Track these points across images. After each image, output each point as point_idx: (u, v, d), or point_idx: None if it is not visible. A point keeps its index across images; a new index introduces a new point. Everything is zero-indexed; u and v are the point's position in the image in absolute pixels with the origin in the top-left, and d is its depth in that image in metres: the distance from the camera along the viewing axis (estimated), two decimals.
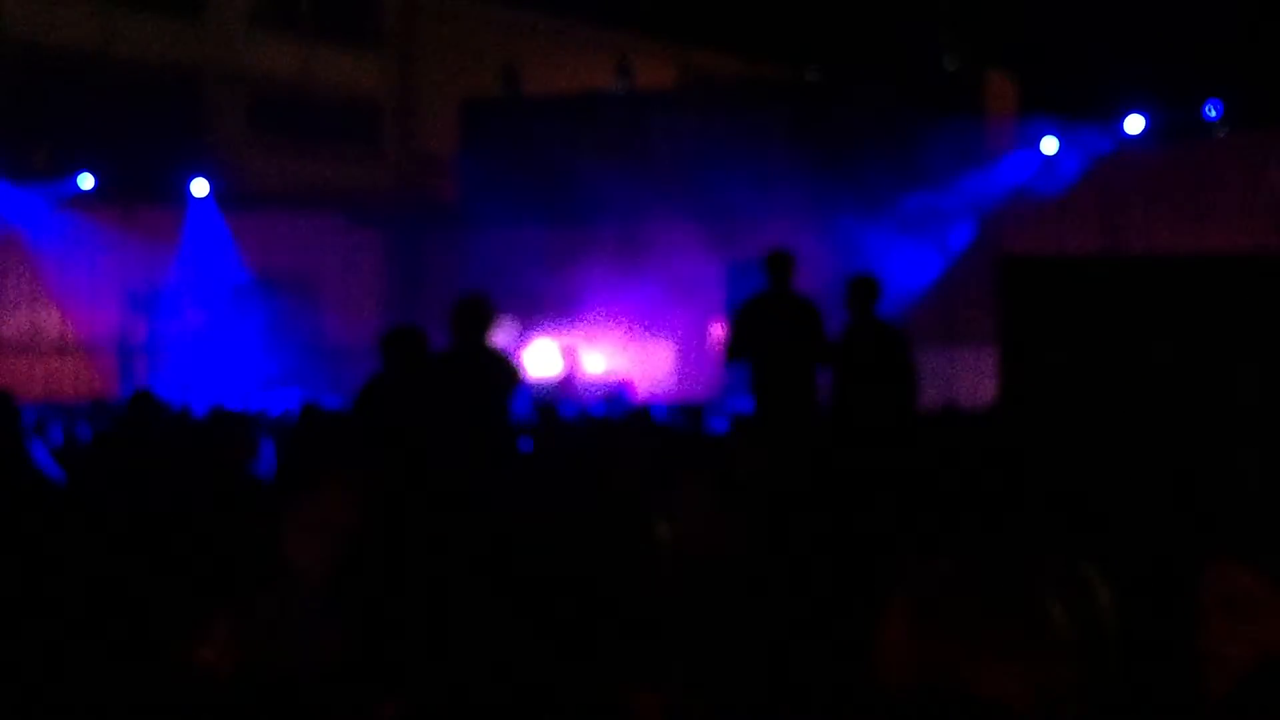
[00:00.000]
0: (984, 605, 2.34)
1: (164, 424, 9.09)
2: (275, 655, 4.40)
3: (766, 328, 11.31)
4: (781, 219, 19.10)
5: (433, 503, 7.36)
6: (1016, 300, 11.27)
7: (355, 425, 9.43)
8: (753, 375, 11.37)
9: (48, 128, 21.70)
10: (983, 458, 8.30)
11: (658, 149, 21.38)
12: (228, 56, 24.63)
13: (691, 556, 6.29)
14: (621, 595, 6.37)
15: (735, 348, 11.50)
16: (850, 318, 11.43)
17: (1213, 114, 19.08)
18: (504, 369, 9.43)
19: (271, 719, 4.39)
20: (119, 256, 21.76)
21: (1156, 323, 10.53)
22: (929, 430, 9.80)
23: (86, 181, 20.93)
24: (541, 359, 20.79)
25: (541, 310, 20.75)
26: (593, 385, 20.46)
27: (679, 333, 21.16)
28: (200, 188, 21.73)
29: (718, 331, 19.67)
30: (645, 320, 21.18)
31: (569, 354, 21.36)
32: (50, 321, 21.81)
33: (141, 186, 21.76)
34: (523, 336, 20.26)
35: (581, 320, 21.26)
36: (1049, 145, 19.82)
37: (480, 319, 9.33)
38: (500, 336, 10.57)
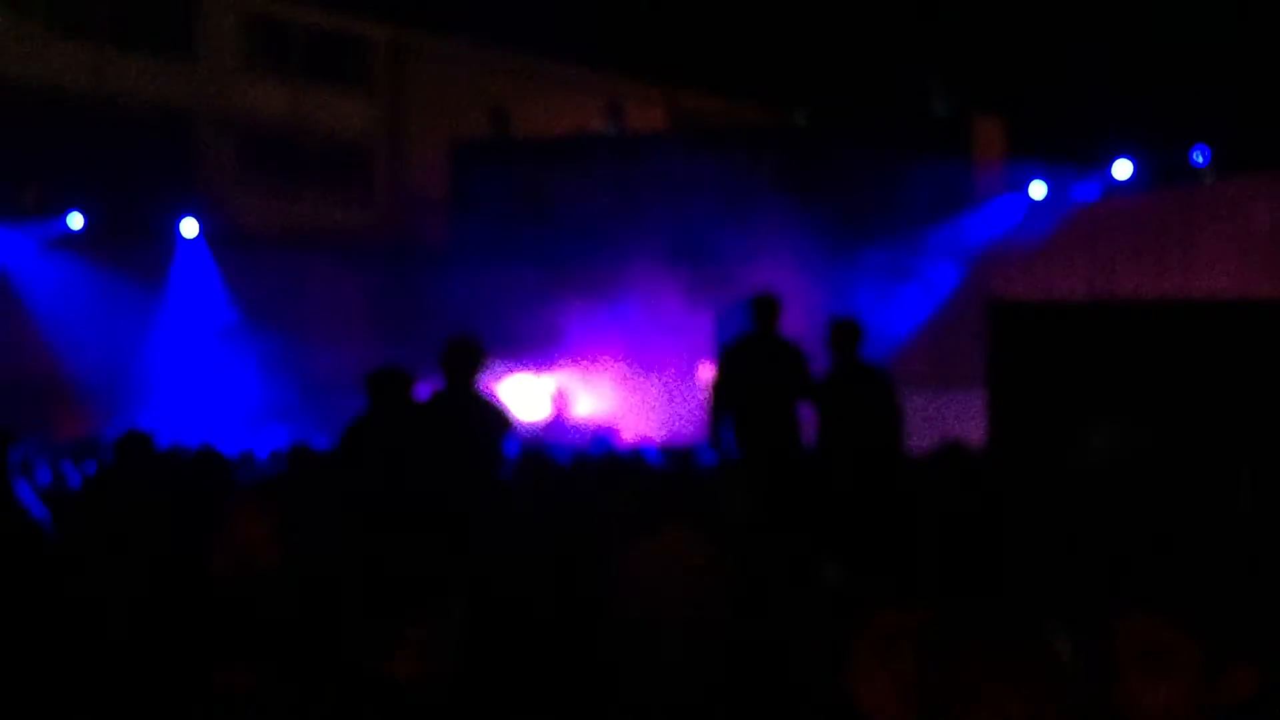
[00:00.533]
0: (985, 647, 2.36)
1: (153, 464, 9.05)
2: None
3: (751, 371, 11.32)
4: (769, 262, 19.11)
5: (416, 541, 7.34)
6: (1005, 344, 11.27)
7: (339, 466, 9.41)
8: (737, 418, 11.36)
9: (37, 167, 21.72)
10: (971, 500, 8.29)
11: (647, 191, 21.42)
12: (219, 98, 24.67)
13: (675, 596, 6.28)
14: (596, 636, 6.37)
15: (721, 393, 11.50)
16: (833, 360, 11.45)
17: (1200, 159, 19.15)
18: (494, 414, 9.42)
19: None
20: (108, 296, 21.73)
21: (1145, 367, 10.54)
22: (928, 469, 9.77)
23: (76, 221, 20.93)
24: (529, 400, 20.77)
25: (529, 351, 20.73)
26: (580, 427, 20.44)
27: (667, 375, 21.15)
28: (190, 228, 21.73)
29: (705, 374, 19.67)
30: (633, 362, 21.17)
31: (557, 396, 21.34)
32: (39, 361, 21.76)
33: (131, 226, 21.74)
34: (510, 378, 20.25)
35: (569, 362, 21.26)
36: (1037, 190, 19.88)
37: (470, 361, 9.32)
38: (488, 378, 10.56)
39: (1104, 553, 6.75)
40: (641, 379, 21.29)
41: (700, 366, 20.31)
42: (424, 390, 9.91)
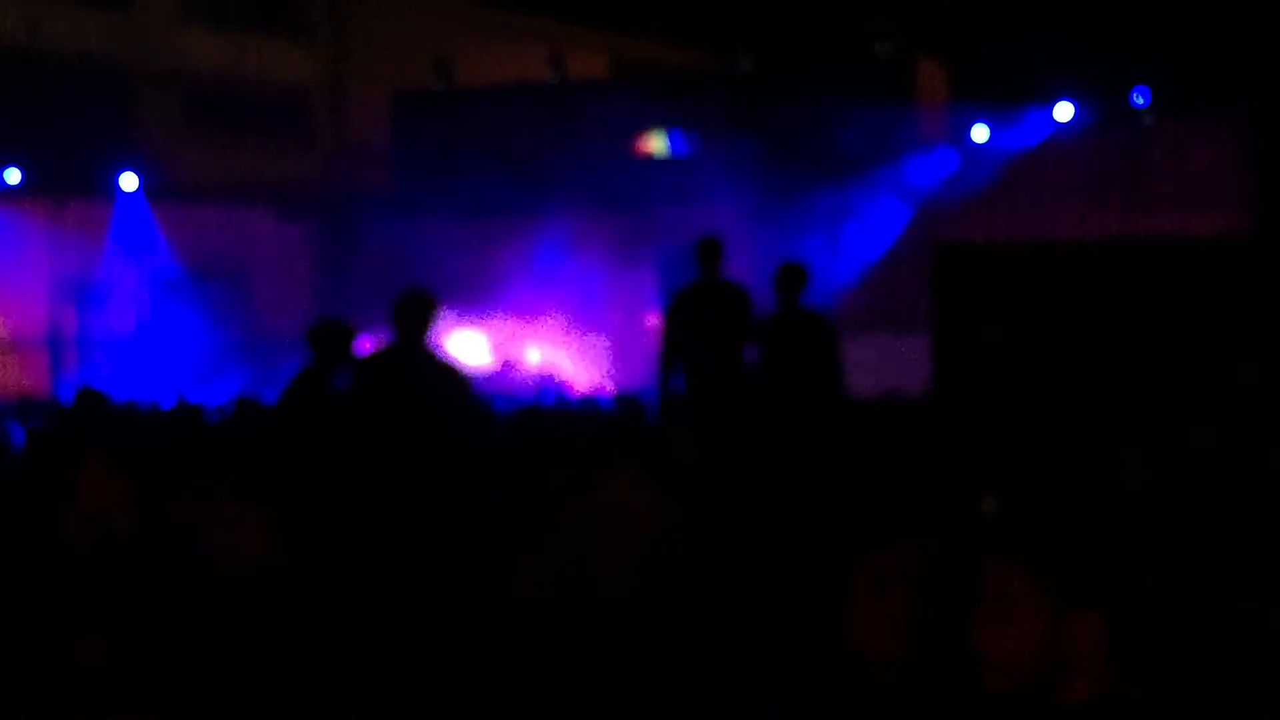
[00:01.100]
0: (976, 582, 2.42)
1: (114, 422, 8.95)
2: None
3: (698, 316, 11.35)
4: (714, 207, 19.12)
5: (377, 497, 7.33)
6: (949, 287, 11.30)
7: (283, 420, 9.37)
8: (686, 364, 11.39)
9: None
10: (916, 443, 8.34)
11: (590, 139, 21.35)
12: (157, 49, 24.43)
13: (624, 542, 6.30)
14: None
15: (669, 340, 11.51)
16: (777, 305, 11.50)
17: (1140, 101, 19.25)
18: (450, 370, 9.32)
19: None
20: (48, 251, 21.55)
21: (1087, 308, 10.59)
22: (867, 416, 9.83)
23: (13, 176, 20.72)
24: (473, 350, 20.73)
25: (473, 301, 20.67)
26: (526, 376, 20.43)
27: (614, 323, 21.15)
28: (129, 182, 21.56)
29: (652, 321, 19.69)
30: (579, 311, 21.16)
31: (502, 345, 21.31)
32: None
33: (70, 181, 21.55)
34: (454, 328, 20.20)
35: (514, 311, 21.22)
36: (979, 133, 19.94)
37: (423, 315, 9.18)
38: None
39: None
40: (587, 327, 21.29)
41: (646, 313, 20.32)
42: (366, 342, 9.87)
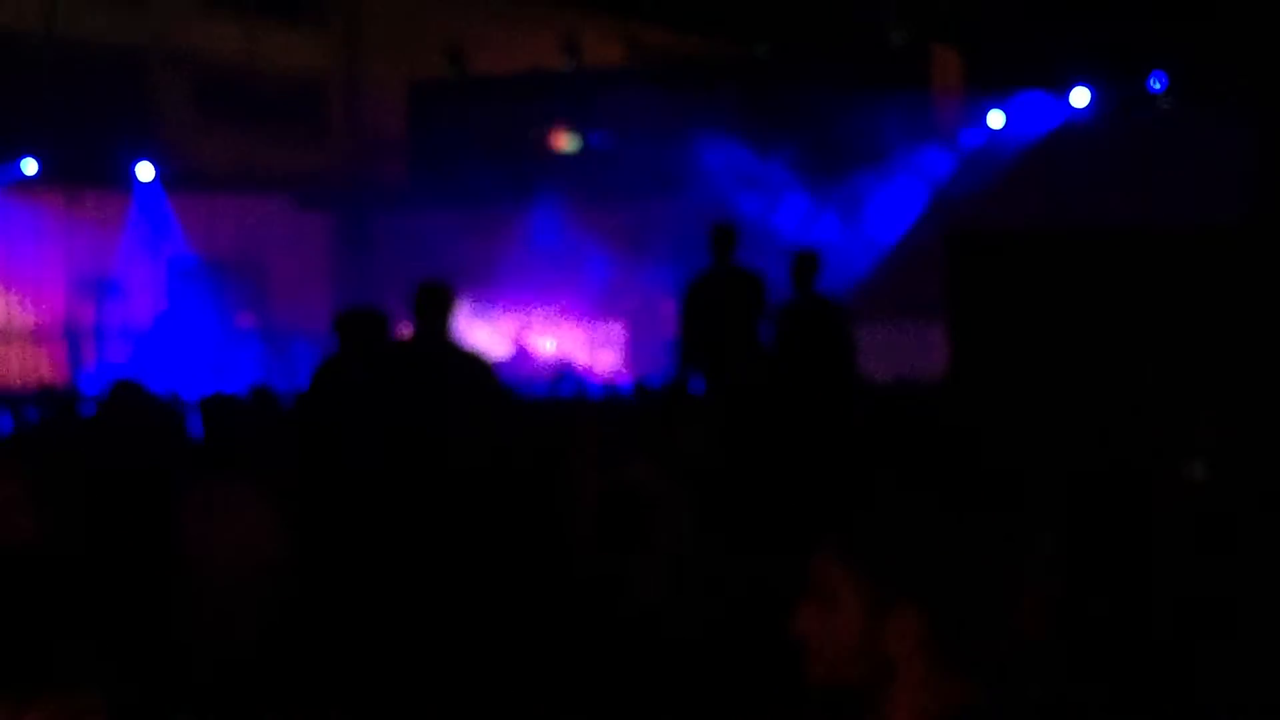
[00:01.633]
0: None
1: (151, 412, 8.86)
2: None
3: (714, 303, 11.35)
4: (731, 195, 19.14)
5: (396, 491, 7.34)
6: (965, 274, 11.30)
7: (306, 410, 9.36)
8: (704, 352, 11.40)
9: None
10: (932, 431, 8.33)
11: (606, 127, 21.35)
12: (171, 38, 24.43)
13: (637, 528, 6.32)
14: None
15: (687, 329, 11.52)
16: (792, 292, 11.52)
17: (1157, 86, 19.19)
18: (474, 360, 9.28)
19: None
20: (64, 241, 21.59)
21: (1103, 296, 10.58)
22: (878, 403, 9.83)
23: (30, 166, 20.76)
24: (491, 339, 20.74)
25: (490, 290, 20.69)
26: (543, 366, 20.44)
27: (631, 311, 21.14)
28: (145, 171, 21.60)
29: (668, 309, 19.68)
30: (596, 299, 21.16)
31: (519, 335, 21.32)
32: None
33: (86, 170, 21.58)
34: (473, 317, 20.22)
35: (531, 300, 21.23)
36: (995, 119, 19.90)
37: (443, 304, 9.14)
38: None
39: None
40: (604, 315, 21.29)
41: (663, 301, 20.31)
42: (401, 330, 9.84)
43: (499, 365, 10.10)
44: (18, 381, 19.79)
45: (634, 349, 21.00)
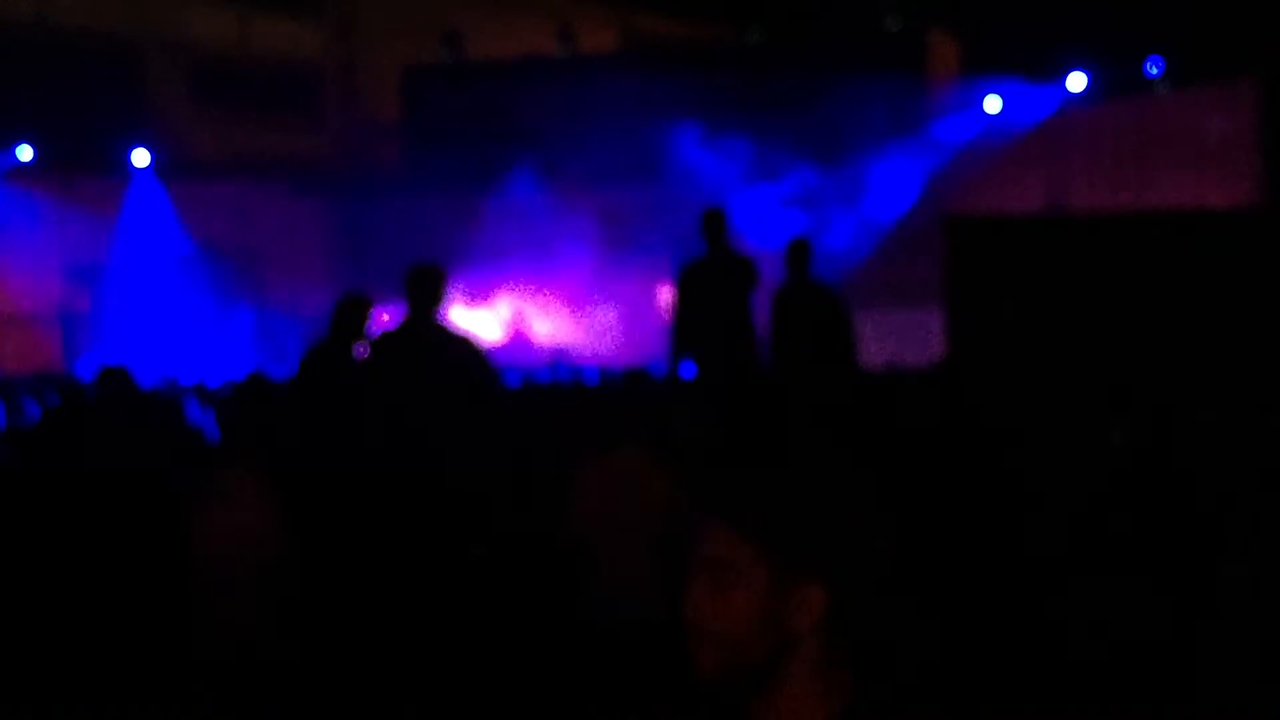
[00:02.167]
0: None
1: (140, 401, 8.87)
2: None
3: (707, 290, 11.32)
4: (725, 180, 19.12)
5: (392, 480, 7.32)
6: (962, 260, 11.29)
7: (298, 397, 9.33)
8: (697, 339, 11.37)
9: None
10: (931, 416, 8.31)
11: (601, 112, 21.31)
12: (166, 25, 24.38)
13: (631, 517, 6.29)
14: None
15: (680, 316, 11.49)
16: (787, 279, 11.51)
17: (1154, 71, 19.16)
18: (465, 343, 9.25)
19: None
20: (60, 228, 21.55)
21: (1101, 280, 10.57)
22: (873, 391, 9.80)
23: (25, 153, 20.76)
24: (485, 324, 20.72)
25: (485, 275, 20.67)
26: (538, 350, 20.42)
27: (626, 297, 21.13)
28: (141, 158, 21.59)
29: (664, 295, 19.67)
30: (592, 285, 21.14)
31: (514, 319, 21.30)
32: None
33: (81, 157, 21.55)
34: (467, 302, 20.20)
35: (526, 285, 21.21)
36: (992, 104, 19.87)
37: (434, 288, 9.11)
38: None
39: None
40: (599, 301, 21.27)
41: (659, 287, 20.30)
42: (381, 316, 9.81)
43: (490, 349, 10.05)
44: (13, 367, 19.76)
45: (630, 336, 20.98)
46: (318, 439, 8.27)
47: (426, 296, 9.04)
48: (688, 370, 11.17)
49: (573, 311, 21.36)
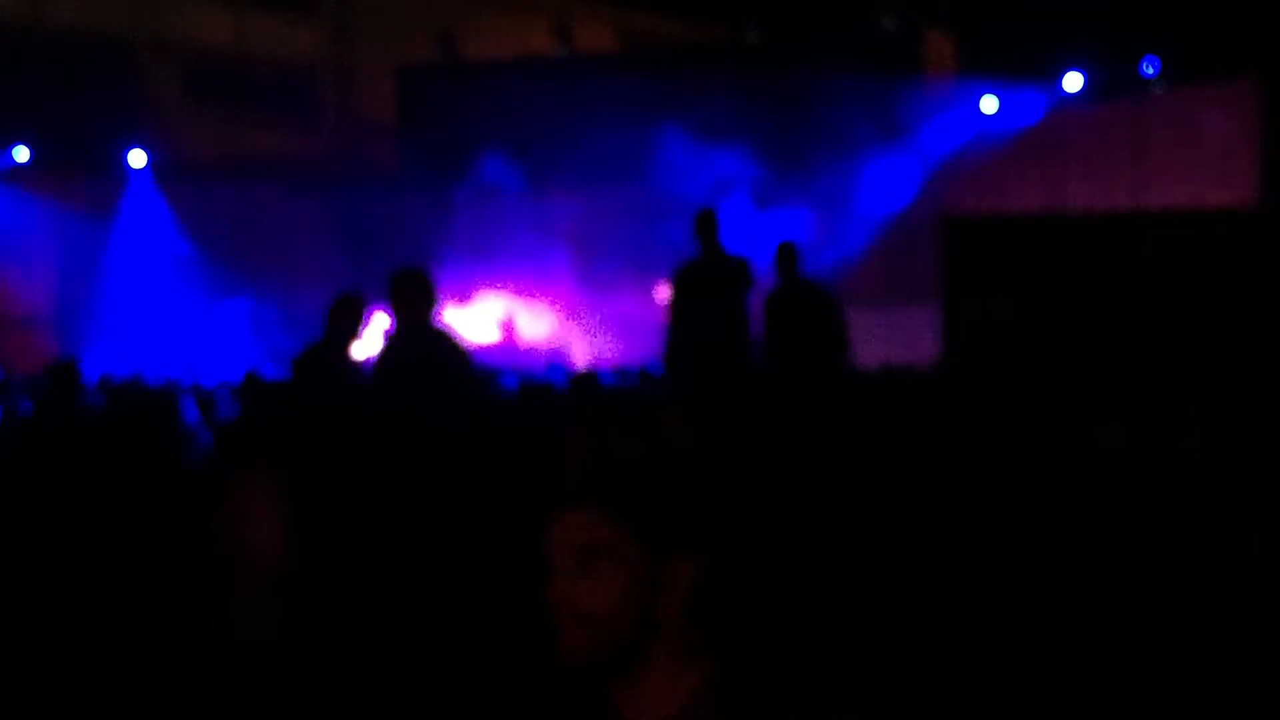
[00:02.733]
0: None
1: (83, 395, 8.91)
2: None
3: (701, 291, 11.32)
4: (724, 181, 19.11)
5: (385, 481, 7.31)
6: (958, 260, 11.27)
7: (293, 397, 9.32)
8: (691, 341, 11.37)
9: None
10: (927, 416, 8.31)
11: (598, 113, 21.29)
12: (162, 25, 24.38)
13: None
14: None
15: (675, 317, 11.49)
16: (779, 280, 11.55)
17: (1150, 70, 19.16)
18: (452, 348, 9.20)
19: None
20: (57, 229, 21.54)
21: (1096, 280, 10.56)
22: (867, 391, 9.81)
23: (22, 154, 20.76)
24: (479, 325, 20.71)
25: (482, 276, 20.66)
26: (535, 351, 20.41)
27: (623, 297, 21.11)
28: (137, 159, 21.59)
29: (662, 294, 19.66)
30: (586, 285, 21.12)
31: (508, 320, 21.28)
32: None
33: (78, 158, 21.55)
34: (461, 303, 20.19)
35: (523, 286, 21.19)
36: (988, 104, 19.87)
37: (420, 293, 8.99)
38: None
39: None
40: (596, 301, 21.26)
41: (656, 288, 20.28)
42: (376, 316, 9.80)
43: (487, 352, 10.06)
44: (11, 368, 19.74)
45: (627, 337, 20.97)
46: (316, 438, 8.25)
47: (415, 302, 8.87)
48: (682, 370, 11.17)
49: (567, 312, 21.34)
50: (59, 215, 21.53)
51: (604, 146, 20.28)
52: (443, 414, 8.64)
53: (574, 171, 20.50)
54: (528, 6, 27.14)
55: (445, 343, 9.09)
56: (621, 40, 28.76)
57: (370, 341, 10.08)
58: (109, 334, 21.38)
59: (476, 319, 20.73)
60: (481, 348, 19.61)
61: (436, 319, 9.10)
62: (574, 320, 21.31)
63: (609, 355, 20.11)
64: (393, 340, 9.13)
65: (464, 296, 20.30)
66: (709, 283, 11.34)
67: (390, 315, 9.06)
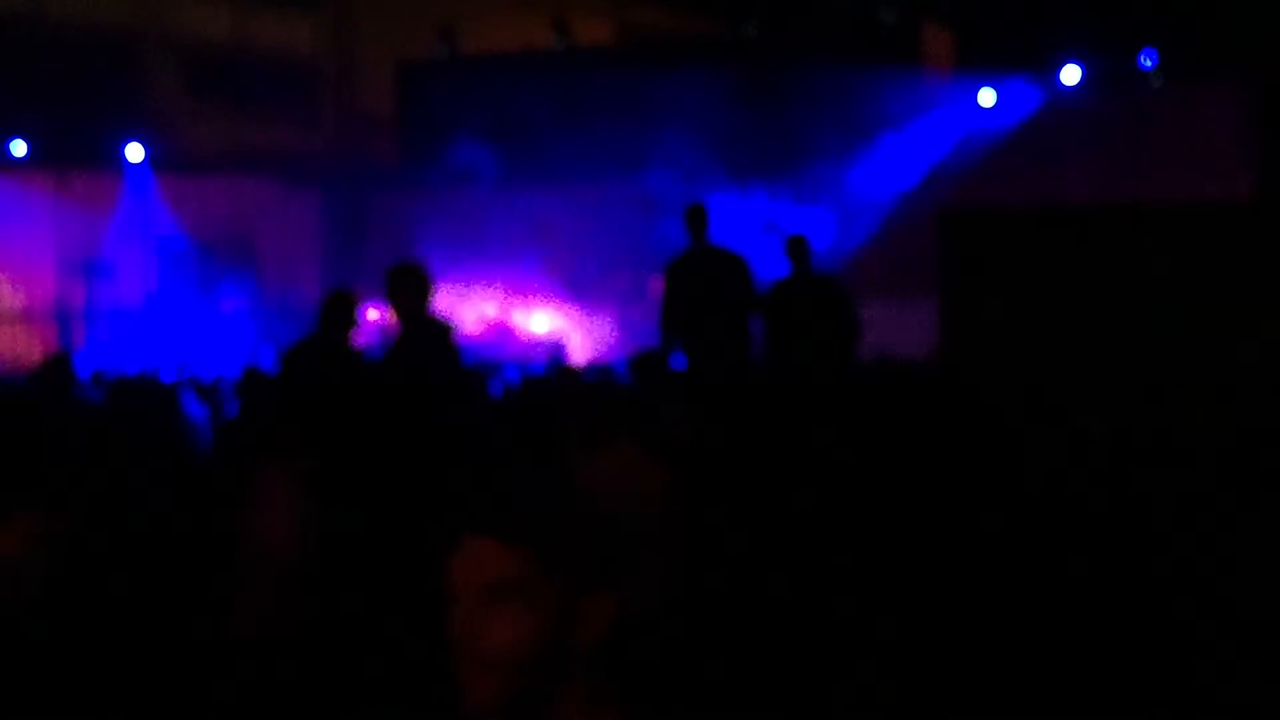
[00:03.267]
0: None
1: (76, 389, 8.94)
2: None
3: (691, 284, 11.35)
4: (721, 174, 19.11)
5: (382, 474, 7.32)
6: (955, 253, 11.28)
7: (293, 391, 9.32)
8: (686, 334, 11.39)
9: None
10: (926, 412, 8.33)
11: (596, 106, 21.30)
12: (161, 19, 24.37)
13: (628, 512, 6.29)
14: None
15: (669, 311, 11.52)
16: (788, 273, 11.56)
17: (1148, 64, 19.16)
18: (445, 340, 9.20)
19: None
20: (54, 223, 21.55)
21: (1095, 273, 10.56)
22: (866, 384, 9.83)
23: (19, 148, 20.74)
24: (478, 318, 20.73)
25: (479, 269, 20.67)
26: (533, 344, 20.42)
27: (620, 291, 21.12)
28: (136, 153, 21.57)
29: (656, 288, 19.66)
30: (583, 279, 21.13)
31: (507, 314, 21.29)
32: None
33: (76, 152, 21.54)
34: (461, 296, 20.19)
35: (521, 280, 21.20)
36: (986, 97, 19.86)
37: (417, 288, 9.00)
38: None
39: None
40: (593, 295, 21.27)
41: (651, 281, 20.29)
42: (371, 309, 9.81)
43: (484, 346, 10.08)
44: (9, 362, 19.75)
45: (623, 330, 20.98)
46: (329, 432, 8.26)
47: (407, 298, 8.88)
48: (678, 363, 11.19)
49: (568, 306, 21.35)
50: (57, 209, 21.54)
51: (601, 140, 20.29)
52: (450, 406, 8.67)
53: (571, 165, 20.50)
54: (526, 0, 27.12)
55: (447, 336, 9.13)
56: (619, 33, 28.74)
57: (365, 334, 10.10)
58: (107, 328, 21.39)
59: (474, 313, 20.74)
60: (479, 341, 19.64)
61: (433, 312, 9.12)
62: (574, 314, 21.32)
63: (609, 348, 20.13)
64: (399, 339, 9.14)
65: (462, 290, 20.30)
66: (701, 276, 11.38)
67: (388, 309, 9.09)
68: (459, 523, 2.19)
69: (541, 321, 21.35)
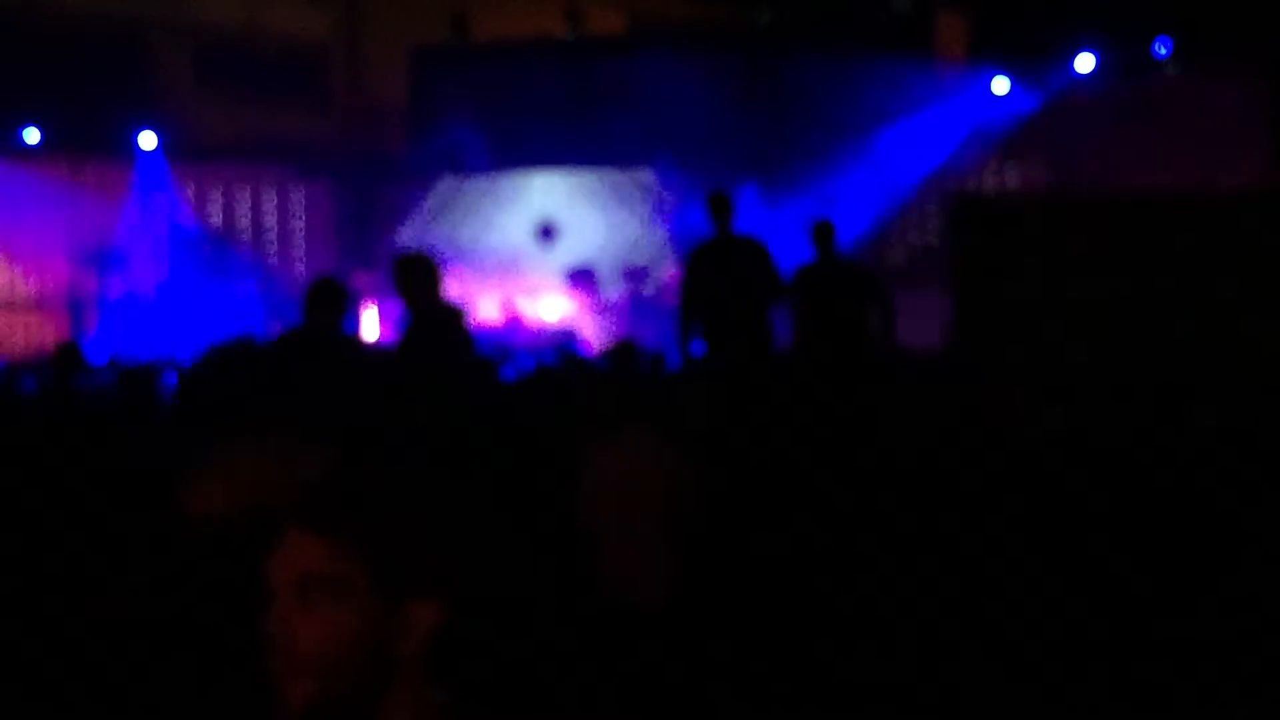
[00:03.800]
0: None
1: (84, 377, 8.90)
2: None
3: (714, 272, 11.34)
4: (734, 163, 19.08)
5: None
6: (968, 241, 11.26)
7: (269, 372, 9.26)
8: (706, 323, 11.39)
9: None
10: (938, 402, 8.30)
11: (608, 95, 21.27)
12: (172, 7, 24.34)
13: (640, 501, 6.27)
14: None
15: (688, 299, 11.50)
16: (814, 259, 11.59)
17: (1163, 51, 19.10)
18: (457, 325, 9.18)
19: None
20: (67, 211, 21.56)
21: (1107, 261, 10.54)
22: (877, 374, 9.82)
23: (32, 136, 20.75)
24: (488, 306, 20.70)
25: (490, 257, 20.66)
26: (543, 333, 20.40)
27: (633, 279, 21.09)
28: (148, 141, 21.59)
29: (671, 277, 19.64)
30: (595, 267, 21.10)
31: (518, 302, 21.27)
32: None
33: (88, 140, 21.55)
34: (470, 284, 20.17)
35: (530, 267, 21.18)
36: (1000, 85, 19.81)
37: (426, 277, 8.97)
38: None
39: None
40: (604, 284, 21.24)
41: (666, 271, 20.26)
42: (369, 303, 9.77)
43: (498, 334, 10.07)
44: (22, 349, 19.77)
45: (637, 319, 20.96)
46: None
47: (420, 287, 8.86)
48: (697, 350, 11.20)
49: (581, 295, 21.32)
50: (69, 198, 21.55)
51: (613, 128, 20.27)
52: (466, 392, 8.66)
53: (582, 153, 20.48)
54: None
55: (457, 320, 9.13)
56: (631, 21, 28.68)
57: (368, 326, 10.05)
58: (120, 316, 21.40)
59: (484, 301, 20.71)
60: (490, 329, 19.63)
61: (444, 299, 9.11)
62: (587, 303, 21.29)
63: (615, 338, 20.10)
64: (409, 327, 9.12)
65: (471, 278, 20.28)
66: (724, 264, 11.36)
67: (398, 299, 9.07)
68: (290, 508, 2.10)
69: (551, 310, 21.31)
